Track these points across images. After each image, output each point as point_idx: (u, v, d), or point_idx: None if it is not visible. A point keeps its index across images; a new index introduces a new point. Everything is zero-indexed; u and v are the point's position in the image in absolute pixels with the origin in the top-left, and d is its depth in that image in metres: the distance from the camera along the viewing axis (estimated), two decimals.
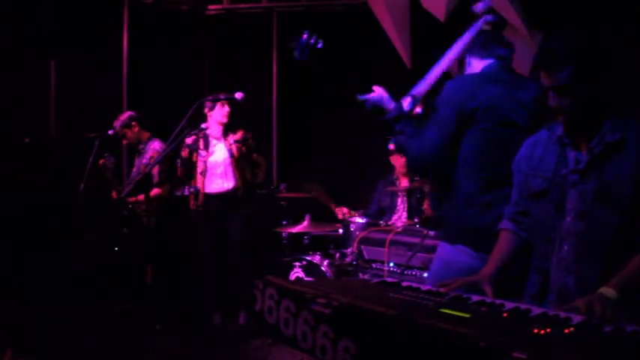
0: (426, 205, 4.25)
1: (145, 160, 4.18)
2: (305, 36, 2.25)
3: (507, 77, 2.17)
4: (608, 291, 1.52)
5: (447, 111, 2.10)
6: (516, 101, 2.13)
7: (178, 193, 4.06)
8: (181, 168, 4.07)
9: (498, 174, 2.11)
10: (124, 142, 4.31)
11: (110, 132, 4.01)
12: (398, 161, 4.61)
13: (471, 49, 2.25)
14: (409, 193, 4.54)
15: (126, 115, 4.27)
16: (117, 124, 4.21)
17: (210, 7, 5.82)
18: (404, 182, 4.66)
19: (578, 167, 1.72)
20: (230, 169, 4.07)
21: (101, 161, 4.04)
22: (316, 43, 2.28)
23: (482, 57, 2.23)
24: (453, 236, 2.21)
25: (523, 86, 2.16)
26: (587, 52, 1.65)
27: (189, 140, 3.95)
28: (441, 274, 2.10)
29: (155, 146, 4.20)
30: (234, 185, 4.09)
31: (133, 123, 4.23)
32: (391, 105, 2.20)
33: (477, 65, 2.24)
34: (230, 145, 4.11)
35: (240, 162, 4.09)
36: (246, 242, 4.19)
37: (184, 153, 4.03)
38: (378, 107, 2.24)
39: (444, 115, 2.10)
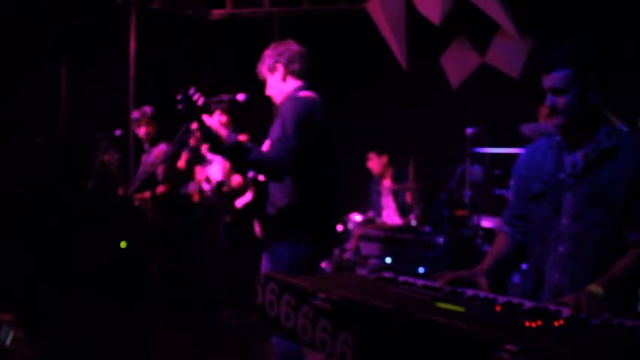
0: (410, 201, 4.35)
1: (150, 160, 4.21)
2: (191, 91, 2.52)
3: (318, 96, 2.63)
4: (595, 288, 1.58)
5: (295, 125, 2.46)
6: (324, 112, 2.59)
7: (183, 191, 4.08)
8: (188, 157, 4.04)
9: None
10: (144, 130, 4.26)
11: (117, 132, 4.03)
12: (375, 165, 4.74)
13: (289, 68, 2.64)
14: (395, 192, 4.63)
15: (150, 109, 4.26)
16: (145, 116, 4.18)
17: (214, 11, 5.86)
18: (386, 182, 4.76)
19: (575, 172, 1.79)
20: (222, 170, 4.09)
21: (106, 157, 4.06)
22: (198, 99, 2.53)
23: (298, 77, 2.65)
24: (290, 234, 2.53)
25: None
26: (586, 56, 1.74)
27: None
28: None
29: (161, 147, 4.23)
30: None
31: (155, 121, 4.26)
32: (224, 132, 2.47)
33: (291, 83, 2.66)
34: None
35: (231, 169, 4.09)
36: (242, 242, 4.18)
37: (193, 141, 4.00)
38: (212, 135, 2.48)
39: (295, 128, 2.45)
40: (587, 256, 1.74)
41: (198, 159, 4.04)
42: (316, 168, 2.56)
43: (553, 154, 1.87)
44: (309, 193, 2.55)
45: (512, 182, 2.03)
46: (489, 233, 3.81)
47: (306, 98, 2.58)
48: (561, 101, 1.74)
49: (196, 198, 4.09)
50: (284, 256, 2.51)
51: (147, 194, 4.04)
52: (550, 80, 1.76)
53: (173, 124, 3.14)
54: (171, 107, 2.41)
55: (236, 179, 4.00)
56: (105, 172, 4.02)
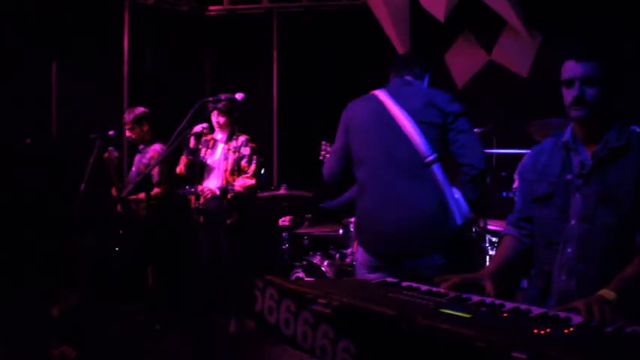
0: None
1: (145, 160, 4.16)
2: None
3: (392, 91, 2.55)
4: (608, 293, 1.54)
5: (337, 134, 2.66)
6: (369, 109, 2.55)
7: (180, 192, 4.01)
8: (186, 159, 3.96)
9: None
10: (128, 134, 4.23)
11: (111, 132, 3.97)
12: None
13: (389, 69, 2.67)
14: None
15: (140, 110, 4.19)
16: (129, 117, 4.14)
17: (211, 7, 5.82)
18: None
19: (583, 171, 1.76)
20: (222, 173, 4.02)
21: (105, 155, 4.01)
22: None
23: (389, 75, 2.66)
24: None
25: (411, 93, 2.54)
26: (615, 52, 1.73)
27: (197, 128, 3.84)
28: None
29: (156, 147, 4.17)
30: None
31: (145, 122, 4.20)
32: None
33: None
34: (228, 150, 4.03)
35: (230, 169, 4.02)
36: (242, 244, 4.14)
37: (192, 143, 3.93)
38: None
39: (337, 134, 2.65)
40: (594, 258, 1.71)
41: (197, 163, 3.98)
42: (360, 170, 2.54)
43: (560, 154, 1.84)
44: (357, 195, 2.58)
45: (518, 184, 1.99)
46: (496, 236, 3.76)
47: (354, 100, 2.65)
48: (591, 92, 1.70)
49: (193, 201, 4.03)
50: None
51: (141, 195, 3.99)
52: (582, 69, 1.70)
53: (168, 124, 3.10)
54: (168, 106, 2.38)
55: (238, 182, 3.95)
56: (98, 173, 3.95)
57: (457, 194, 2.43)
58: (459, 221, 2.40)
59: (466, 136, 2.44)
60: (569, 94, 1.73)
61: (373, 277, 2.27)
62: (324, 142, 3.14)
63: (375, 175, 2.47)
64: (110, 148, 4.01)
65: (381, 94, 2.54)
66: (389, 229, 2.40)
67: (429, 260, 2.35)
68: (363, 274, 2.51)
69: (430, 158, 2.38)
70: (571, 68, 1.72)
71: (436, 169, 2.39)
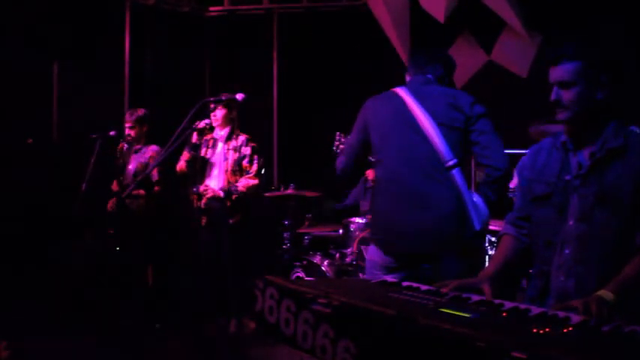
0: None
1: (143, 160, 4.16)
2: None
3: (413, 89, 2.51)
4: (605, 294, 1.54)
5: (354, 129, 2.63)
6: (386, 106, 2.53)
7: (188, 191, 4.01)
8: (188, 155, 3.95)
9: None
10: (127, 132, 4.23)
11: (112, 133, 3.99)
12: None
13: (409, 67, 2.65)
14: None
15: (142, 111, 4.22)
16: (131, 117, 4.16)
17: (211, 8, 5.82)
18: None
19: (581, 172, 1.75)
20: (222, 173, 4.00)
21: (120, 145, 4.11)
22: None
23: (410, 75, 2.62)
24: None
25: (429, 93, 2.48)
26: (598, 50, 1.71)
27: (200, 124, 3.83)
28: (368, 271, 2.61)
29: (154, 147, 4.19)
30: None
31: (146, 123, 4.22)
32: None
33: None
34: (228, 149, 4.02)
35: (231, 169, 4.01)
36: (244, 244, 4.12)
37: (194, 138, 3.87)
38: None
39: (354, 129, 2.62)
40: (593, 259, 1.71)
41: (198, 159, 3.96)
42: (378, 168, 2.52)
43: (558, 154, 1.83)
44: (374, 194, 2.58)
45: (517, 183, 1.99)
46: (495, 236, 3.76)
47: (373, 97, 2.62)
48: (566, 95, 1.71)
49: (195, 201, 4.02)
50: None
51: (141, 191, 4.01)
52: (557, 73, 1.72)
53: (168, 124, 3.10)
54: (169, 107, 2.38)
55: (241, 183, 3.94)
56: (99, 173, 3.94)
57: (476, 198, 2.39)
58: (477, 226, 2.37)
59: (488, 138, 2.40)
60: (552, 95, 1.75)
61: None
62: (338, 134, 3.17)
63: (393, 174, 2.44)
64: (123, 143, 4.13)
65: (402, 92, 2.48)
66: (409, 230, 2.37)
67: (446, 263, 2.32)
68: (374, 274, 2.44)
69: (451, 163, 2.36)
70: (549, 73, 1.75)
71: (456, 173, 2.36)
